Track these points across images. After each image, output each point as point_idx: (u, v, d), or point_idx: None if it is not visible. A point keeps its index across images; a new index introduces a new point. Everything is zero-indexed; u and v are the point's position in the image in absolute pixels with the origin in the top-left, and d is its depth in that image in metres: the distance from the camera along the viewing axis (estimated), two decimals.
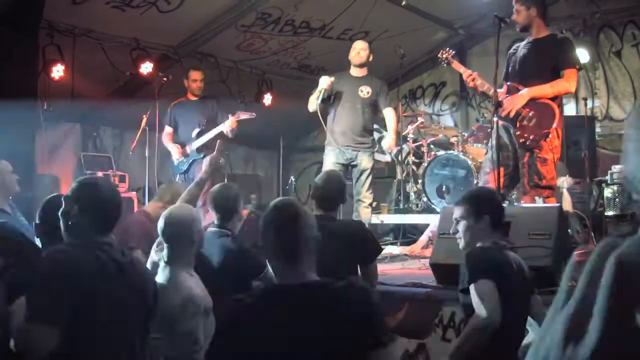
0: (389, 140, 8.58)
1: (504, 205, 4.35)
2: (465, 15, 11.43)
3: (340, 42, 10.72)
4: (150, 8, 8.80)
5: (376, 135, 11.61)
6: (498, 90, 6.58)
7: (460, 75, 10.77)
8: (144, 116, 8.61)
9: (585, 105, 9.50)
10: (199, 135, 8.73)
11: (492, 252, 4.01)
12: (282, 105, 10.95)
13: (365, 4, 9.84)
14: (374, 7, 9.93)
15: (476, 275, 3.80)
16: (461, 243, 4.20)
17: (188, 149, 8.78)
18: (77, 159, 10.38)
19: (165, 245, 4.22)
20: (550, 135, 6.51)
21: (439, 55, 7.61)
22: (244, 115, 8.74)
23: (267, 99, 10.88)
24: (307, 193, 13.77)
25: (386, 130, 8.67)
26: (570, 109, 11.19)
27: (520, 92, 6.58)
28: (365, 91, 8.35)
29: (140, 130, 8.68)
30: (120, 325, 3.26)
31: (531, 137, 6.50)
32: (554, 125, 6.52)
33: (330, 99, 8.32)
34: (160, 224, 4.24)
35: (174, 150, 8.82)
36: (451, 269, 5.13)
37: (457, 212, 4.25)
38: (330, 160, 8.32)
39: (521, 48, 6.91)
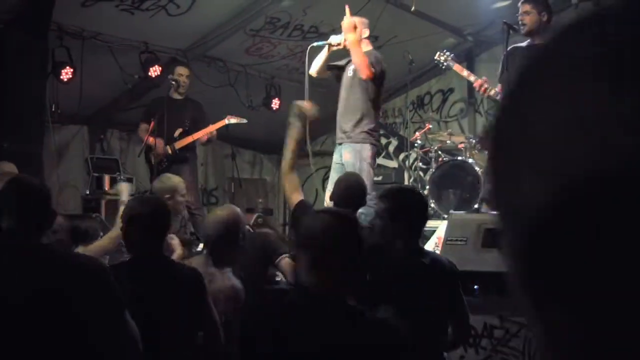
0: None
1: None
2: (474, 22, 11.42)
3: None
4: (160, 11, 8.81)
5: (384, 140, 11.63)
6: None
7: (468, 81, 10.85)
8: (152, 119, 8.60)
9: None
10: (182, 135, 8.69)
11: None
12: (289, 110, 10.94)
13: (374, 9, 9.82)
14: (382, 13, 9.92)
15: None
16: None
17: (169, 149, 8.73)
18: (83, 161, 10.39)
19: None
20: None
21: (436, 58, 7.58)
22: (234, 120, 8.74)
23: (275, 103, 10.87)
24: (314, 198, 13.77)
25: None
26: None
27: None
28: (351, 68, 7.45)
29: (149, 133, 8.68)
30: None
31: None
32: None
33: (340, 77, 7.57)
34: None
35: (158, 143, 8.70)
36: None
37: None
38: (333, 161, 7.52)
39: (522, 51, 6.84)
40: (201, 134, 8.69)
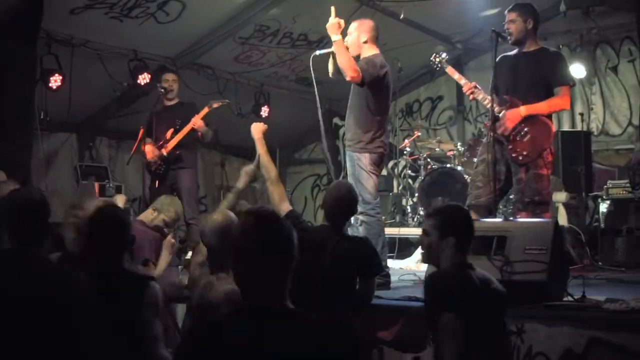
0: None
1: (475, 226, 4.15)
2: (462, 30, 11.46)
3: None
4: (149, 19, 8.82)
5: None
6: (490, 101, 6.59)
7: (458, 89, 10.89)
8: (142, 127, 8.57)
9: (582, 120, 9.52)
10: (174, 134, 8.65)
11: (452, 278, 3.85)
12: (279, 118, 10.97)
13: (363, 17, 9.80)
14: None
15: (437, 309, 3.72)
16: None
17: (164, 151, 8.66)
18: (72, 168, 10.37)
19: None
20: (544, 152, 6.53)
21: (432, 59, 7.58)
22: (216, 104, 8.68)
23: (265, 111, 10.86)
24: (303, 205, 13.78)
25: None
26: (566, 124, 11.24)
27: (519, 109, 6.55)
28: None
29: (138, 141, 8.64)
30: None
31: (524, 153, 6.50)
32: (549, 142, 6.54)
33: None
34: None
35: (147, 149, 8.62)
36: None
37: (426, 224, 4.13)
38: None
39: (511, 60, 6.86)
40: (188, 128, 8.57)
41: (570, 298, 4.97)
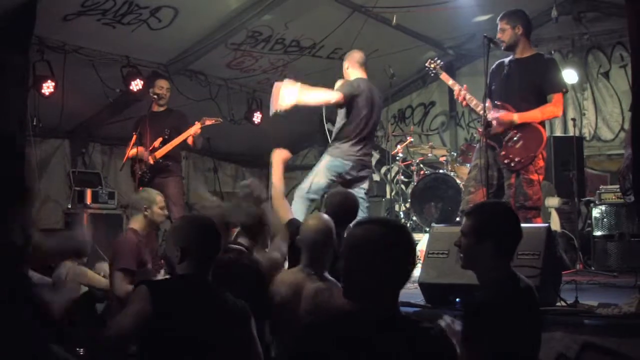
0: None
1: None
2: (454, 36, 11.49)
3: (330, 61, 10.76)
4: (141, 25, 8.81)
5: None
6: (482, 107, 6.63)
7: (450, 94, 10.95)
8: (134, 133, 8.57)
9: (574, 125, 9.55)
10: (163, 144, 8.65)
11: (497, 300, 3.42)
12: (271, 124, 10.97)
13: (355, 23, 9.88)
14: (364, 27, 9.97)
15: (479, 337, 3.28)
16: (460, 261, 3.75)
17: (151, 159, 8.62)
18: (65, 174, 10.36)
19: None
20: (536, 158, 6.58)
21: (427, 65, 7.67)
22: (209, 121, 8.70)
23: (257, 117, 10.86)
24: None
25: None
26: (558, 129, 11.28)
27: (512, 115, 6.59)
28: None
29: (130, 147, 8.63)
30: None
31: (516, 159, 6.54)
32: (541, 148, 6.58)
33: None
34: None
35: (139, 150, 8.60)
36: (440, 288, 5.16)
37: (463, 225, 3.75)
38: None
39: (505, 66, 6.91)
40: (179, 141, 8.60)
41: (563, 303, 4.99)
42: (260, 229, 5.22)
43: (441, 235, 5.46)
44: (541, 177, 6.73)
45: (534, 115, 6.58)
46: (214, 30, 9.50)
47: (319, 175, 7.54)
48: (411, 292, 6.15)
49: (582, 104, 11.36)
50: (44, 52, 8.40)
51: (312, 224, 4.79)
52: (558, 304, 5.02)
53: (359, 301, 2.70)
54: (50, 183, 10.21)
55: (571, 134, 10.37)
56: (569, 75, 10.92)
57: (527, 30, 6.84)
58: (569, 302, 4.97)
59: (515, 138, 6.56)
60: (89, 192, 9.39)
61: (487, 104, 6.58)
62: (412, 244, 2.79)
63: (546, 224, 5.81)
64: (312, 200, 7.61)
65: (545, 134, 6.64)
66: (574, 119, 9.88)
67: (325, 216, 4.90)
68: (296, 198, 7.54)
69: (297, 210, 7.14)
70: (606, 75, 11.22)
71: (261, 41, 9.98)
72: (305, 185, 7.55)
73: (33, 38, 8.05)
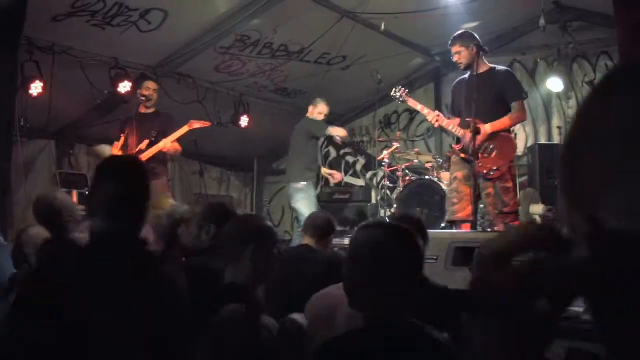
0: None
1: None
2: (442, 42, 11.48)
3: (318, 66, 10.82)
4: (131, 27, 8.82)
5: (351, 158, 11.70)
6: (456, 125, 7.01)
7: (436, 101, 11.08)
8: (122, 135, 8.55)
9: (560, 134, 9.62)
10: (149, 146, 8.62)
11: None
12: (257, 128, 11.01)
13: (343, 29, 9.92)
14: (352, 33, 10.02)
15: None
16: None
17: None
18: (51, 176, 10.33)
19: None
20: (511, 165, 7.03)
21: (392, 94, 8.04)
22: (197, 124, 8.70)
23: (244, 121, 10.87)
24: (280, 215, 13.80)
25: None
26: (542, 138, 11.37)
27: (484, 127, 6.98)
28: None
29: (118, 148, 8.61)
30: None
31: (494, 168, 6.83)
32: (514, 154, 7.16)
33: None
34: None
35: None
36: None
37: None
38: None
39: (465, 84, 7.42)
40: (166, 142, 8.57)
41: None
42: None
43: (431, 241, 5.49)
44: (513, 184, 7.13)
45: (504, 122, 7.02)
46: (203, 34, 9.52)
47: None
48: None
49: (567, 112, 11.44)
50: (33, 53, 8.39)
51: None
52: None
53: (364, 311, 2.68)
54: (36, 184, 10.17)
55: (556, 141, 10.46)
56: (555, 84, 11.05)
57: (480, 48, 7.22)
58: None
59: (489, 149, 6.85)
60: (75, 194, 9.35)
61: (454, 119, 7.01)
62: (418, 249, 2.75)
63: None
64: None
65: (515, 140, 7.04)
66: (560, 127, 9.95)
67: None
68: None
69: None
70: (591, 84, 11.27)
71: (249, 45, 10.01)
72: None
73: (22, 38, 8.06)
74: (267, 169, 14.12)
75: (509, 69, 7.75)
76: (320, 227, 5.71)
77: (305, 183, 9.46)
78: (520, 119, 7.32)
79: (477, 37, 7.34)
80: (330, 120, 13.27)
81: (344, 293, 2.78)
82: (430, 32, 10.82)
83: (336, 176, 9.50)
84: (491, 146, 6.93)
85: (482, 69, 7.19)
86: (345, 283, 2.79)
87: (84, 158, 11.03)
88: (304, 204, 9.30)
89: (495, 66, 7.42)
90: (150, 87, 8.88)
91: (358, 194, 11.05)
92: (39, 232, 5.37)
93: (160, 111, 9.00)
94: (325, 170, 9.89)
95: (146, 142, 8.55)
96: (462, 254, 5.17)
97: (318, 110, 9.73)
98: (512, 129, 7.49)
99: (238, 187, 14.00)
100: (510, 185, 7.00)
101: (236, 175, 13.88)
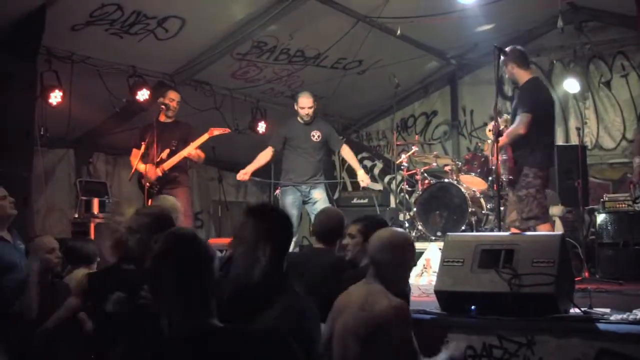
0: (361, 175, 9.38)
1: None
2: (457, 45, 11.56)
3: (334, 70, 10.84)
4: (148, 36, 8.85)
5: (368, 163, 11.71)
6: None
7: (452, 103, 11.20)
8: (142, 143, 8.56)
9: (579, 135, 9.60)
10: (170, 155, 8.64)
11: None
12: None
13: (359, 33, 9.94)
14: (367, 37, 10.03)
15: None
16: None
17: (159, 171, 8.61)
18: (70, 184, 10.38)
19: None
20: (522, 174, 7.23)
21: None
22: (217, 131, 8.73)
23: (261, 127, 10.86)
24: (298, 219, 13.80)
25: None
26: (560, 139, 11.35)
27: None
28: (316, 135, 9.35)
29: (139, 157, 8.63)
30: None
31: (509, 177, 7.26)
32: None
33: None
34: None
35: (147, 169, 8.64)
36: (457, 296, 5.19)
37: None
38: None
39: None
40: (187, 151, 8.60)
41: (577, 310, 5.02)
42: None
43: (456, 244, 5.49)
44: (532, 191, 7.21)
45: (505, 136, 7.28)
46: (220, 41, 9.54)
47: None
48: (422, 300, 6.21)
49: (584, 113, 11.44)
50: (52, 62, 8.41)
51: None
52: (572, 310, 5.06)
53: None
54: (56, 192, 10.22)
55: (572, 142, 10.45)
56: (571, 85, 11.04)
57: (517, 63, 7.40)
58: (583, 309, 5.01)
59: (503, 157, 7.35)
60: (96, 202, 9.40)
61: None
62: None
63: (560, 232, 5.88)
64: None
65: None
66: (578, 128, 9.92)
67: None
68: None
69: None
70: (607, 84, 11.30)
71: (266, 51, 10.03)
72: None
73: (41, 48, 8.11)
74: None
75: (530, 81, 7.62)
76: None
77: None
78: (513, 131, 7.29)
79: (518, 53, 7.48)
80: (347, 124, 13.34)
81: None
82: (445, 35, 10.84)
83: (366, 180, 9.37)
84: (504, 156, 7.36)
85: (522, 81, 7.41)
86: None
87: (102, 166, 11.08)
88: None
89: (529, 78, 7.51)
90: (174, 99, 8.89)
91: (377, 198, 11.04)
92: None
93: (179, 120, 9.02)
94: (362, 176, 9.52)
95: (167, 151, 8.57)
96: (489, 257, 5.17)
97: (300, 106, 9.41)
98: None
99: (255, 192, 14.00)
100: (522, 194, 7.22)
101: (253, 181, 13.86)
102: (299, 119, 9.40)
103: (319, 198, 9.26)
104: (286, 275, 3.43)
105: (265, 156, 9.59)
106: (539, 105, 7.25)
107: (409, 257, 4.26)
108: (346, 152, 9.59)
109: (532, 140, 7.14)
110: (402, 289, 4.37)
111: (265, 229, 3.37)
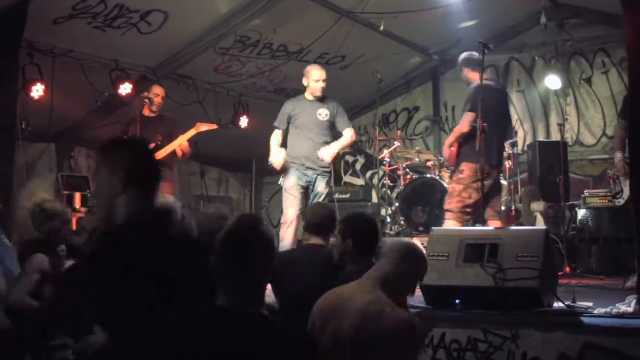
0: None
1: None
2: (440, 41, 11.60)
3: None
4: (131, 29, 8.81)
5: (350, 158, 11.71)
6: None
7: (433, 99, 11.28)
8: (125, 137, 8.51)
9: (560, 130, 9.66)
10: (154, 151, 8.57)
11: None
12: (256, 128, 10.97)
13: (342, 29, 9.94)
14: (351, 32, 10.04)
15: None
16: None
17: None
18: (52, 178, 10.30)
19: None
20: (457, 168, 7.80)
21: None
22: (204, 127, 8.71)
23: (243, 121, 10.83)
24: (279, 215, 13.79)
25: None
26: (541, 134, 11.43)
27: None
28: (323, 114, 8.58)
29: None
30: None
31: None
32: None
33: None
34: None
35: None
36: (442, 290, 5.22)
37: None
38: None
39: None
40: (172, 147, 8.58)
41: (561, 304, 5.07)
42: None
43: (441, 238, 5.53)
44: (459, 187, 7.66)
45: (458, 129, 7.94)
46: (203, 35, 9.52)
47: None
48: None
49: (565, 109, 11.51)
50: (33, 56, 8.33)
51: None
52: (555, 304, 5.11)
53: None
54: (37, 187, 10.13)
55: (554, 138, 10.52)
56: (552, 81, 11.11)
57: (468, 68, 7.85)
58: (567, 303, 5.06)
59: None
60: (77, 196, 9.34)
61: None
62: None
63: (544, 227, 5.91)
64: None
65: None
66: (560, 124, 10.00)
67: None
68: None
69: None
70: (588, 81, 11.38)
71: (249, 46, 10.02)
72: None
73: (22, 41, 8.04)
74: (266, 169, 14.09)
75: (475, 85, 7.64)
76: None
77: None
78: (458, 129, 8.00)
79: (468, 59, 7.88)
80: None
81: None
82: (428, 31, 10.88)
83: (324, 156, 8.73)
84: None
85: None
86: None
87: (84, 160, 11.00)
88: None
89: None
90: (158, 94, 8.86)
91: (358, 193, 11.05)
92: None
93: (164, 114, 8.99)
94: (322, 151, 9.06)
95: (152, 146, 8.53)
96: (473, 251, 5.20)
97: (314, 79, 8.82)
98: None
99: (237, 187, 13.98)
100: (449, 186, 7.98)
101: (234, 175, 13.86)
102: (307, 95, 8.72)
103: (322, 192, 8.53)
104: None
105: (277, 139, 8.88)
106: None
107: (423, 273, 4.22)
108: (345, 136, 8.71)
109: (472, 137, 7.39)
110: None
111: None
